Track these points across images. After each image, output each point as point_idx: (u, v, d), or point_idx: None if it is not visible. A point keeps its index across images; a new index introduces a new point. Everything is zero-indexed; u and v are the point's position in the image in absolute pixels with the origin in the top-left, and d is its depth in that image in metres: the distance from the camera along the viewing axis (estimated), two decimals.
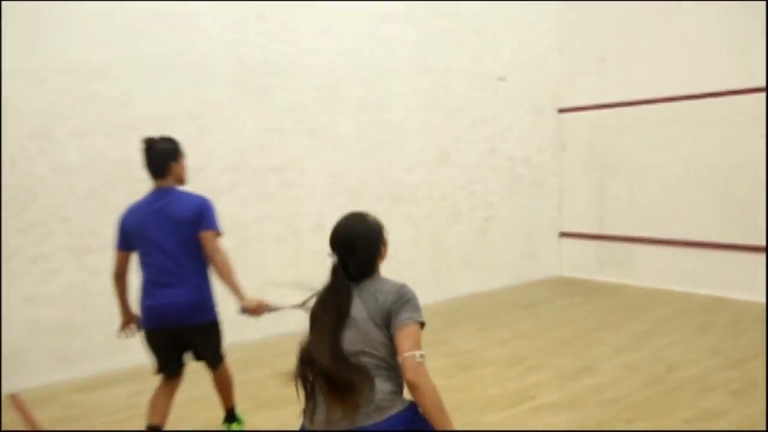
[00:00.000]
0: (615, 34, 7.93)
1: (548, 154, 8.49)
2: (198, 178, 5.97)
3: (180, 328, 3.59)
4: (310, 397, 2.38)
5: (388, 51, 7.07)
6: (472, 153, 7.80)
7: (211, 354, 3.79)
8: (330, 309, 2.38)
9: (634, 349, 5.48)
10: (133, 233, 3.59)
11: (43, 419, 4.45)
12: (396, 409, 2.29)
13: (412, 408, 2.32)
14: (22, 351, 5.17)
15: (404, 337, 2.30)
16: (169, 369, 3.71)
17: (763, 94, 6.69)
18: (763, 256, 6.76)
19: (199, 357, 3.80)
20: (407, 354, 2.25)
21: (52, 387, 5.11)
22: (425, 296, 7.44)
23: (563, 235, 8.60)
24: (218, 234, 3.62)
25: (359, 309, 2.39)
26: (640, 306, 6.94)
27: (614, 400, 4.45)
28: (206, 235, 3.56)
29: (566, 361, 5.25)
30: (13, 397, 4.89)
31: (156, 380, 3.77)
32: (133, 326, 3.82)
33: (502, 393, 4.70)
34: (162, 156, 3.61)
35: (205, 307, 3.64)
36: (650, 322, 6.32)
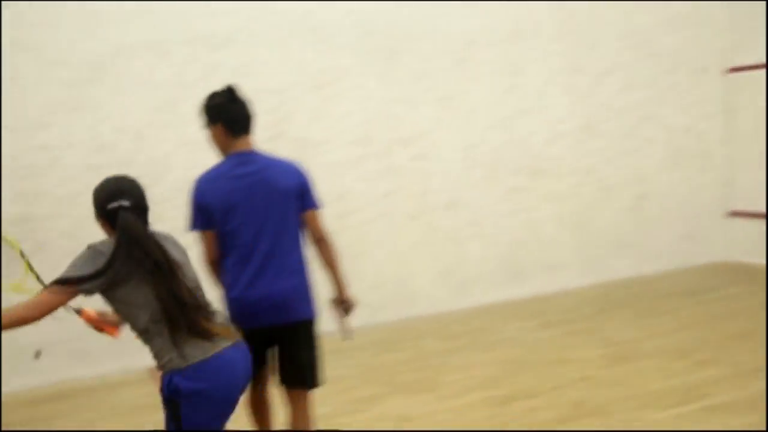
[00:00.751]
0: None
1: (715, 121, 7.46)
2: (322, 152, 5.72)
3: (278, 326, 2.88)
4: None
5: (524, 9, 6.42)
6: (623, 122, 6.97)
7: (306, 364, 2.95)
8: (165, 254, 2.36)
9: None
10: (215, 207, 2.82)
11: None
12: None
13: None
14: None
15: None
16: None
17: None
18: None
19: (287, 372, 2.96)
20: None
21: None
22: (570, 280, 6.82)
23: (733, 214, 7.53)
24: (320, 213, 3.00)
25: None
26: None
27: None
28: (313, 214, 2.96)
29: (742, 357, 4.45)
30: (152, 371, 4.87)
31: None
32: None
33: (668, 389, 4.03)
34: (249, 109, 2.92)
35: (308, 299, 2.94)
36: None
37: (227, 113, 2.87)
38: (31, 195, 4.87)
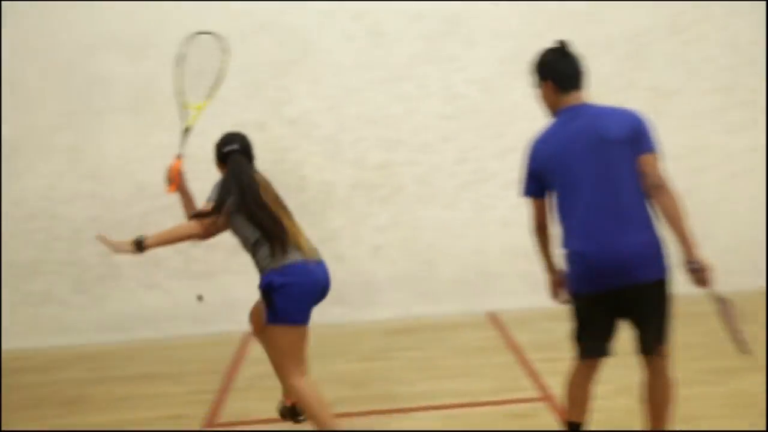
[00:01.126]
0: None
1: None
2: (677, 102, 5.25)
3: (625, 288, 2.62)
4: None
5: None
6: None
7: (656, 329, 2.69)
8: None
9: None
10: (548, 169, 2.72)
11: (521, 341, 4.55)
12: None
13: None
14: (498, 274, 5.32)
15: None
16: (601, 348, 2.75)
17: None
18: None
19: (641, 340, 2.71)
20: None
21: (524, 311, 5.12)
22: None
23: None
24: (659, 158, 2.68)
25: None
26: None
27: None
28: (647, 159, 2.64)
29: None
30: (492, 316, 5.13)
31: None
32: (562, 290, 2.88)
33: None
34: (580, 64, 2.77)
35: (659, 256, 2.64)
36: None
37: (556, 69, 2.75)
38: (392, 142, 5.34)
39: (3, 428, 3.72)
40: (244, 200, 2.98)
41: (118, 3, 5.08)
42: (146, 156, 5.10)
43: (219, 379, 4.20)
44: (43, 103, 5.09)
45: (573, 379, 2.81)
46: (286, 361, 2.97)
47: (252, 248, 3.02)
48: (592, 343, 2.74)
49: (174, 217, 4.57)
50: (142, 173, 5.11)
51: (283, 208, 3.08)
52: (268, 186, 3.09)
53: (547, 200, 2.79)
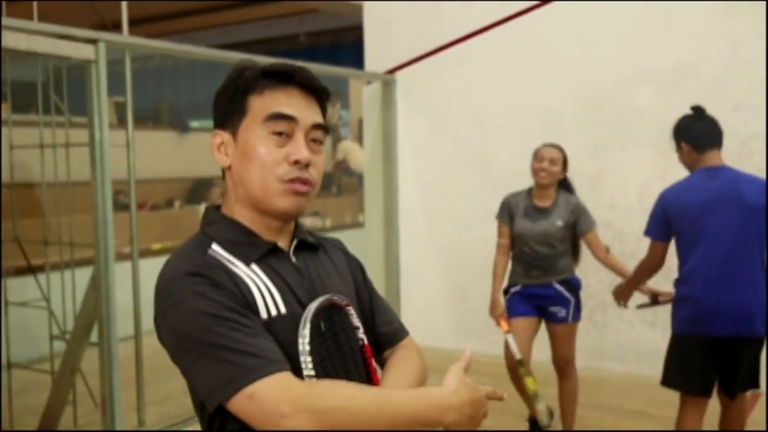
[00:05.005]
0: None
1: None
2: None
3: (736, 338, 2.98)
4: None
5: None
6: None
7: (749, 379, 3.08)
8: None
9: None
10: (681, 218, 3.05)
11: None
12: None
13: None
14: None
15: None
16: (707, 387, 3.08)
17: None
18: None
19: (731, 383, 3.08)
20: None
21: None
22: None
23: None
24: None
25: None
26: None
27: None
28: None
29: None
30: None
31: None
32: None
33: None
34: (716, 126, 3.12)
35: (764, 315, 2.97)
36: None
37: (693, 131, 3.10)
38: None
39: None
40: None
41: (651, 38, 5.13)
42: None
43: None
44: (573, 132, 5.44)
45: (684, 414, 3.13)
46: None
47: None
48: (701, 382, 3.08)
49: None
50: None
51: None
52: None
53: (667, 245, 3.16)
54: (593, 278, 5.28)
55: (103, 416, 3.86)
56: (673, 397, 4.57)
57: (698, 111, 3.15)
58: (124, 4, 7.69)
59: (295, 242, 1.40)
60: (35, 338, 4.39)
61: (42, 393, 4.05)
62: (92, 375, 4.18)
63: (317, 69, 5.94)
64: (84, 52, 3.66)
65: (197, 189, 9.22)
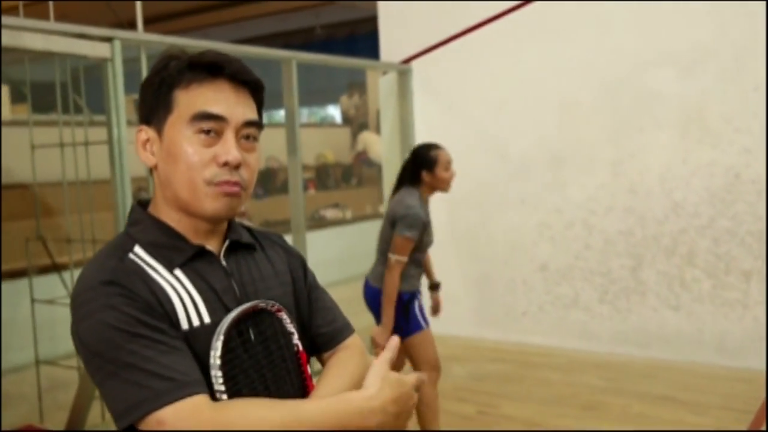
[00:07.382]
0: None
1: None
2: None
3: None
4: None
5: None
6: None
7: None
8: None
9: None
10: None
11: None
12: None
13: None
14: None
15: None
16: None
17: None
18: None
19: None
20: None
21: None
22: None
23: None
24: None
25: None
26: None
27: None
28: None
29: None
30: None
31: None
32: None
33: None
34: None
35: None
36: None
37: None
38: None
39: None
40: None
41: (668, 20, 5.06)
42: (686, 174, 4.97)
43: (739, 418, 3.85)
44: (592, 118, 5.40)
45: None
46: None
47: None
48: None
49: (707, 238, 4.35)
50: (680, 191, 4.99)
51: None
52: None
53: None
54: (615, 263, 5.25)
55: None
56: (698, 381, 4.56)
57: None
58: (138, 3, 7.72)
59: (226, 244, 1.32)
60: (62, 335, 4.43)
61: (71, 389, 4.10)
62: None
63: (334, 60, 5.95)
64: (100, 50, 3.69)
65: None
